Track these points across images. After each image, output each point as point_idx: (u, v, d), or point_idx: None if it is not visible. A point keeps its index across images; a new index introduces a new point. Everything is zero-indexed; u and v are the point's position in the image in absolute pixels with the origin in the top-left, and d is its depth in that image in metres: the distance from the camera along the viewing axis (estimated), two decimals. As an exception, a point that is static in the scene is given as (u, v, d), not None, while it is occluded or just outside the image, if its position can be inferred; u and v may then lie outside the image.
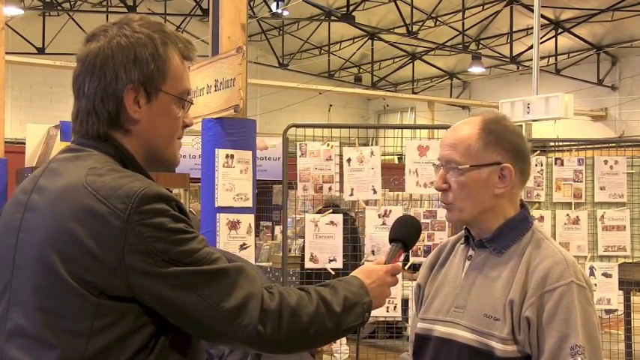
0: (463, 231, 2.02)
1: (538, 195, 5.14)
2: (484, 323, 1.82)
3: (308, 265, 4.96)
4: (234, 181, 3.89)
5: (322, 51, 19.90)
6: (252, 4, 16.52)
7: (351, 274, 1.78)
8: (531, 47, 9.02)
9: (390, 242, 1.91)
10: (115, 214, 1.42)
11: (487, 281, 1.87)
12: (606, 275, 5.13)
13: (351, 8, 16.32)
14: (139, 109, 1.56)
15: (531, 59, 8.01)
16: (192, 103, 1.66)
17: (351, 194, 5.01)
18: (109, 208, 1.43)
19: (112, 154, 1.55)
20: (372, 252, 4.95)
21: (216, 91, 3.94)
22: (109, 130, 1.56)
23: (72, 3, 17.29)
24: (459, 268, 1.96)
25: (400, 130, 7.42)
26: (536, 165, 5.12)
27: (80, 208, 1.44)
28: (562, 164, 5.19)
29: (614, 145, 6.09)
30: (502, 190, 1.86)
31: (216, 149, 3.87)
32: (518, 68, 18.37)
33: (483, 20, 17.08)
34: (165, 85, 1.58)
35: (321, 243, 4.94)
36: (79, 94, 1.58)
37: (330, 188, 5.02)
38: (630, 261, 5.27)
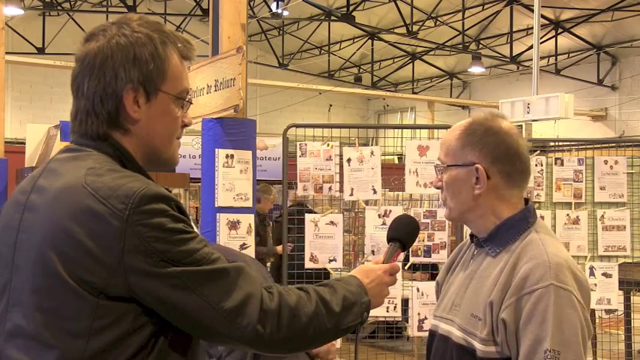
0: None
1: (538, 195, 5.14)
2: (471, 323, 1.84)
3: (308, 265, 4.96)
4: (234, 181, 3.89)
5: (322, 51, 19.91)
6: (252, 4, 16.53)
7: (350, 273, 1.78)
8: (531, 47, 9.03)
9: (388, 242, 1.92)
10: (115, 214, 1.42)
11: (480, 280, 1.88)
12: (606, 275, 5.12)
13: (351, 8, 16.32)
14: (139, 109, 1.56)
15: (531, 59, 8.01)
16: (191, 103, 1.66)
17: (351, 194, 5.01)
18: (109, 208, 1.43)
19: (111, 154, 1.55)
20: (372, 252, 4.95)
21: (216, 91, 3.94)
22: (109, 130, 1.56)
23: (72, 3, 17.29)
24: (465, 267, 1.99)
25: (400, 130, 7.43)
26: (536, 165, 5.12)
27: (79, 208, 1.44)
28: (562, 164, 5.19)
29: (614, 145, 6.09)
30: (479, 191, 1.88)
31: (216, 149, 3.87)
32: (518, 68, 18.38)
33: (483, 20, 17.08)
34: (165, 84, 1.58)
35: (321, 243, 4.94)
36: (77, 94, 1.58)
37: (330, 188, 5.02)
38: (630, 261, 5.27)
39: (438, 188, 1.97)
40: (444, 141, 1.95)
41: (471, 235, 2.00)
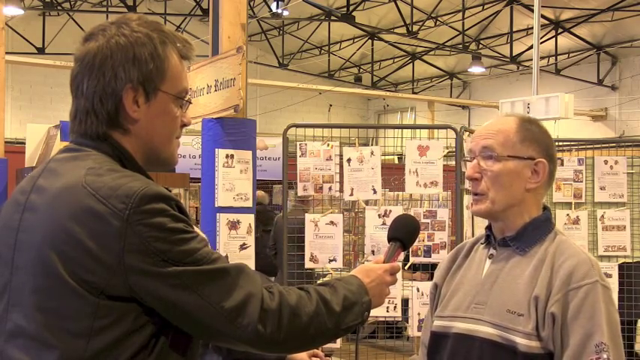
0: (484, 231, 2.04)
1: (539, 195, 5.13)
2: (507, 318, 1.83)
3: (308, 265, 4.96)
4: (234, 181, 3.89)
5: (322, 51, 19.90)
6: (252, 4, 16.52)
7: (350, 273, 1.78)
8: (531, 47, 9.02)
9: (389, 241, 1.91)
10: (115, 214, 1.42)
11: (510, 278, 1.88)
12: (606, 275, 5.11)
13: (351, 8, 16.31)
14: (138, 109, 1.56)
15: (531, 59, 8.01)
16: (190, 103, 1.66)
17: (351, 194, 5.00)
18: (109, 208, 1.42)
19: (110, 154, 1.55)
20: (372, 252, 4.95)
21: (216, 91, 3.94)
22: (108, 129, 1.56)
23: (72, 3, 17.29)
24: (479, 267, 1.97)
25: (400, 130, 7.43)
26: (536, 165, 5.11)
27: (79, 208, 1.44)
28: (562, 164, 5.19)
29: (614, 145, 6.08)
30: (534, 185, 1.90)
31: (216, 149, 3.87)
32: (518, 68, 18.38)
33: (483, 20, 17.08)
34: (164, 84, 1.58)
35: (321, 243, 4.94)
36: (77, 94, 1.58)
37: (330, 188, 5.02)
38: (630, 261, 5.27)
39: (473, 179, 1.93)
40: (498, 131, 1.91)
41: (487, 236, 1.99)
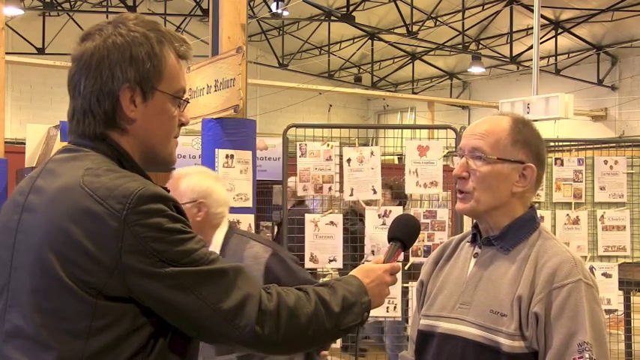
0: (470, 229, 2.03)
1: (538, 195, 5.13)
2: (491, 319, 1.83)
3: (308, 265, 4.96)
4: (234, 181, 3.89)
5: (322, 51, 19.91)
6: (252, 4, 16.52)
7: (350, 273, 1.78)
8: (531, 47, 9.02)
9: (389, 241, 1.91)
10: (112, 215, 1.41)
11: (494, 278, 1.88)
12: (606, 275, 5.12)
13: (351, 8, 16.32)
14: (135, 109, 1.56)
15: (531, 59, 8.01)
16: (188, 102, 1.66)
17: (351, 194, 5.00)
18: (106, 208, 1.42)
19: (108, 154, 1.55)
20: (372, 252, 4.94)
21: (216, 91, 3.94)
22: (106, 129, 1.56)
23: (72, 3, 17.29)
24: (464, 266, 1.97)
25: (400, 130, 7.43)
26: (536, 165, 5.11)
27: (77, 208, 1.43)
28: (562, 164, 5.18)
29: (614, 145, 6.08)
30: (520, 189, 1.90)
31: (216, 149, 3.87)
32: (518, 68, 18.38)
33: (483, 20, 17.08)
34: (161, 84, 1.58)
35: (321, 243, 4.94)
36: (74, 94, 1.57)
37: (330, 188, 5.02)
38: (630, 261, 5.27)
39: (460, 178, 1.91)
40: (489, 132, 1.90)
41: (474, 235, 1.99)
